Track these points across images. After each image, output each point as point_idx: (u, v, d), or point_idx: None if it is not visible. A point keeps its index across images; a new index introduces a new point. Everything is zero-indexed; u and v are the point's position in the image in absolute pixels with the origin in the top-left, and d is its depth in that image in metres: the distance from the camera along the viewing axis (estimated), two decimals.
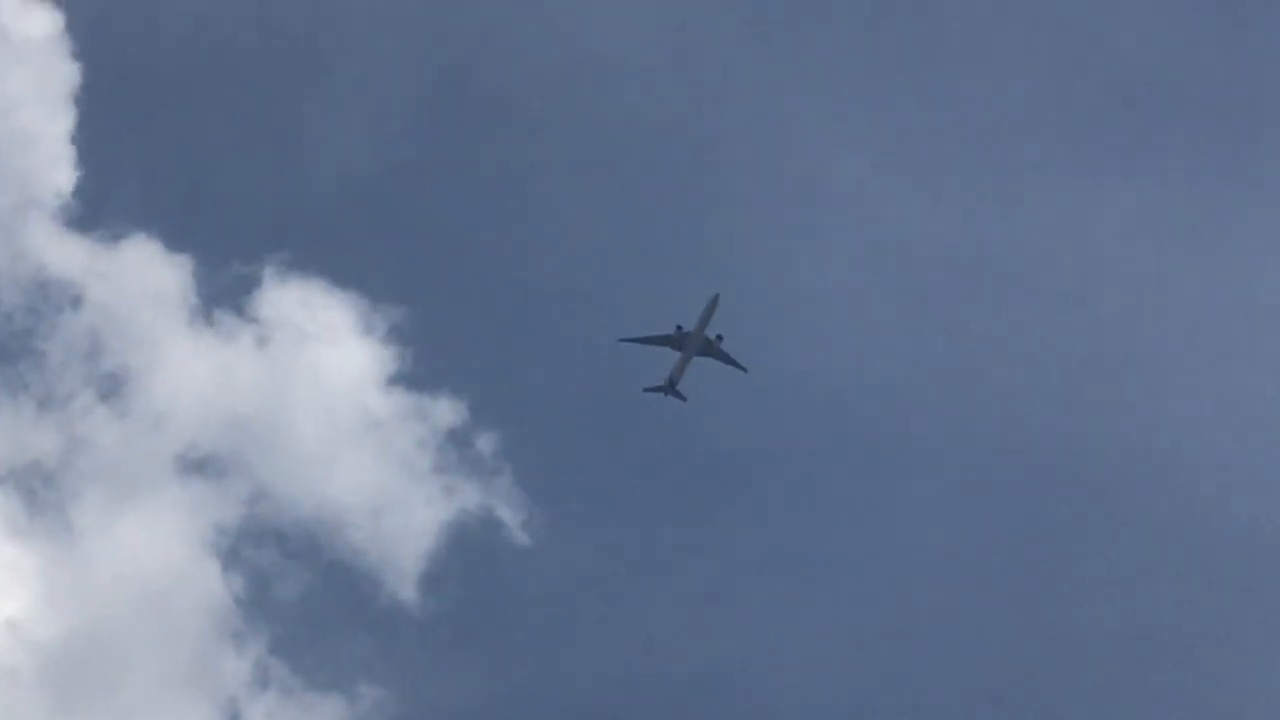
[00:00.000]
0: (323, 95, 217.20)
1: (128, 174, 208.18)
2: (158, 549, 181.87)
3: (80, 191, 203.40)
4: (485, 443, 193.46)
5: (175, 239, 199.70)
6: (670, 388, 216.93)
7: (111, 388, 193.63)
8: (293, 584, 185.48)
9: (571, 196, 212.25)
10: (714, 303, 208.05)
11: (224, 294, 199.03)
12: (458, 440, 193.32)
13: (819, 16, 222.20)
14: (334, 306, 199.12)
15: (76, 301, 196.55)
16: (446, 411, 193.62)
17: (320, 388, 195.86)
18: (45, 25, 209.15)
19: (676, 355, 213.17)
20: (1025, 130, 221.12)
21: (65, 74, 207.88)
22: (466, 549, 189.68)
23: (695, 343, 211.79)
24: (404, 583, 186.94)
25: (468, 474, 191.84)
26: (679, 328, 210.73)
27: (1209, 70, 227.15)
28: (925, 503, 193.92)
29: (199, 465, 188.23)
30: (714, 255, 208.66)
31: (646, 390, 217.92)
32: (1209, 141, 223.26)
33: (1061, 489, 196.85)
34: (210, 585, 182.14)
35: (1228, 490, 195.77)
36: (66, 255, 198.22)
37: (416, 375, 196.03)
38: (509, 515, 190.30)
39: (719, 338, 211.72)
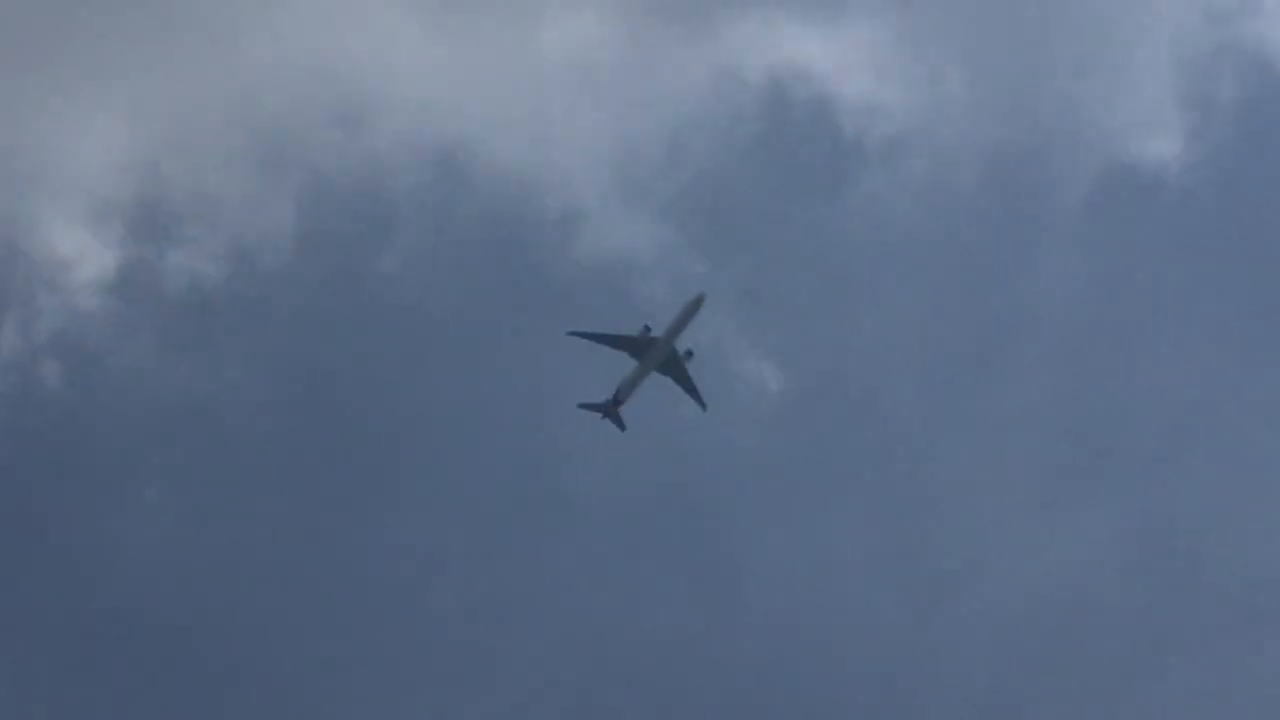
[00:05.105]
0: None
1: None
2: None
3: None
4: None
5: None
6: (612, 408, 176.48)
7: None
8: None
9: None
10: (695, 305, 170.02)
11: None
12: None
13: None
14: None
15: None
16: None
17: None
18: None
19: (633, 364, 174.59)
20: None
21: None
22: None
23: (660, 352, 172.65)
24: None
25: None
26: (646, 329, 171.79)
27: None
28: None
29: None
30: None
31: (582, 406, 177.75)
32: None
33: None
34: None
35: None
36: None
37: None
38: None
39: (689, 354, 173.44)
